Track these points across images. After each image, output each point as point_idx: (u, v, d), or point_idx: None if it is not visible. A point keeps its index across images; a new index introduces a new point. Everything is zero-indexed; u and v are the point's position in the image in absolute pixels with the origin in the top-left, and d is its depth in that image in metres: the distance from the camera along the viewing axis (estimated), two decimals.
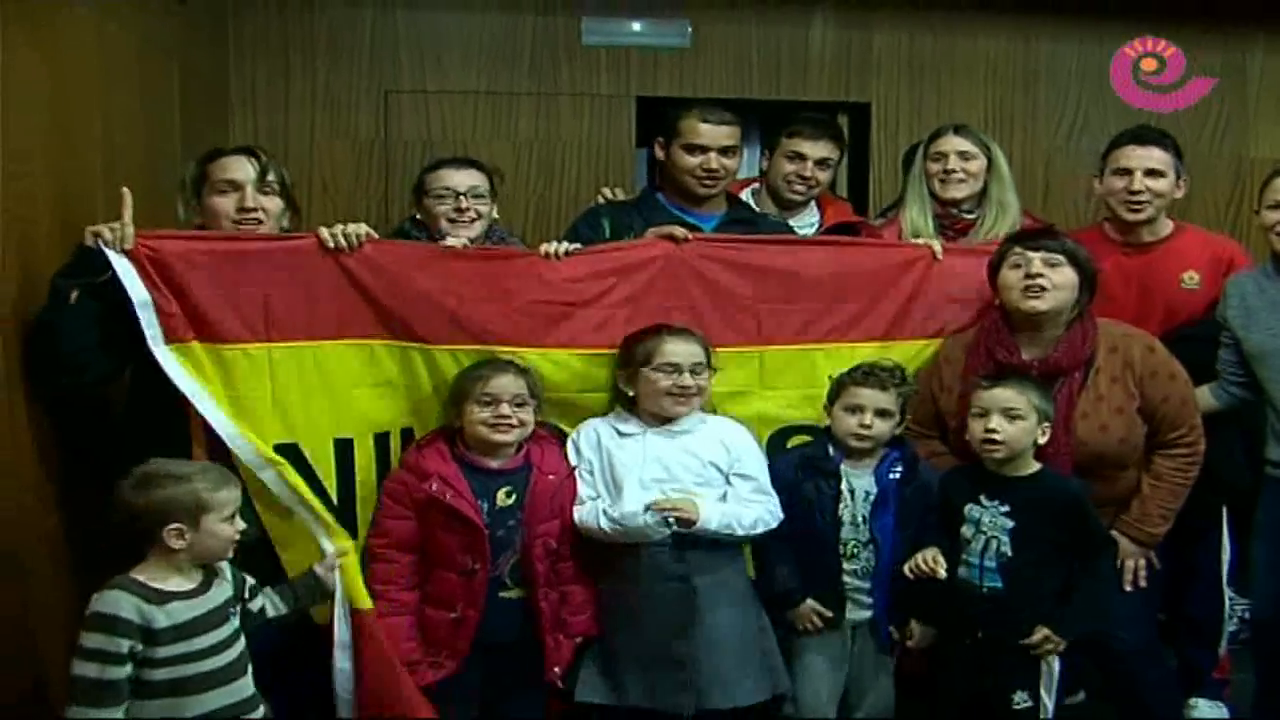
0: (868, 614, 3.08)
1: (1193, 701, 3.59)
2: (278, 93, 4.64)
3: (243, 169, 2.96)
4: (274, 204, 2.99)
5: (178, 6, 3.94)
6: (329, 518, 2.85)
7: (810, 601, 3.06)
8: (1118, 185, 3.48)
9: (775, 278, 3.29)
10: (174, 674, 2.38)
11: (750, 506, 3.00)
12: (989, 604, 2.91)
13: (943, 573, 2.90)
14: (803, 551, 3.07)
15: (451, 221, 3.29)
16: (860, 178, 5.01)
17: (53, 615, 2.69)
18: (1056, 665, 2.93)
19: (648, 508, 2.90)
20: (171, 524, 2.40)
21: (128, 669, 2.33)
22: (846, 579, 3.05)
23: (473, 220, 3.30)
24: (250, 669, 2.54)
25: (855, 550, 3.04)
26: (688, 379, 3.01)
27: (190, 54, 4.07)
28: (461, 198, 3.29)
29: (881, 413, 3.03)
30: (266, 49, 4.63)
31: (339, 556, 2.82)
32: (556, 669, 2.95)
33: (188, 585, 2.45)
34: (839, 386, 3.10)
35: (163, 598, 2.39)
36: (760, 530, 2.99)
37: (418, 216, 3.41)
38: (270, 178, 2.99)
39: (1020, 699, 2.92)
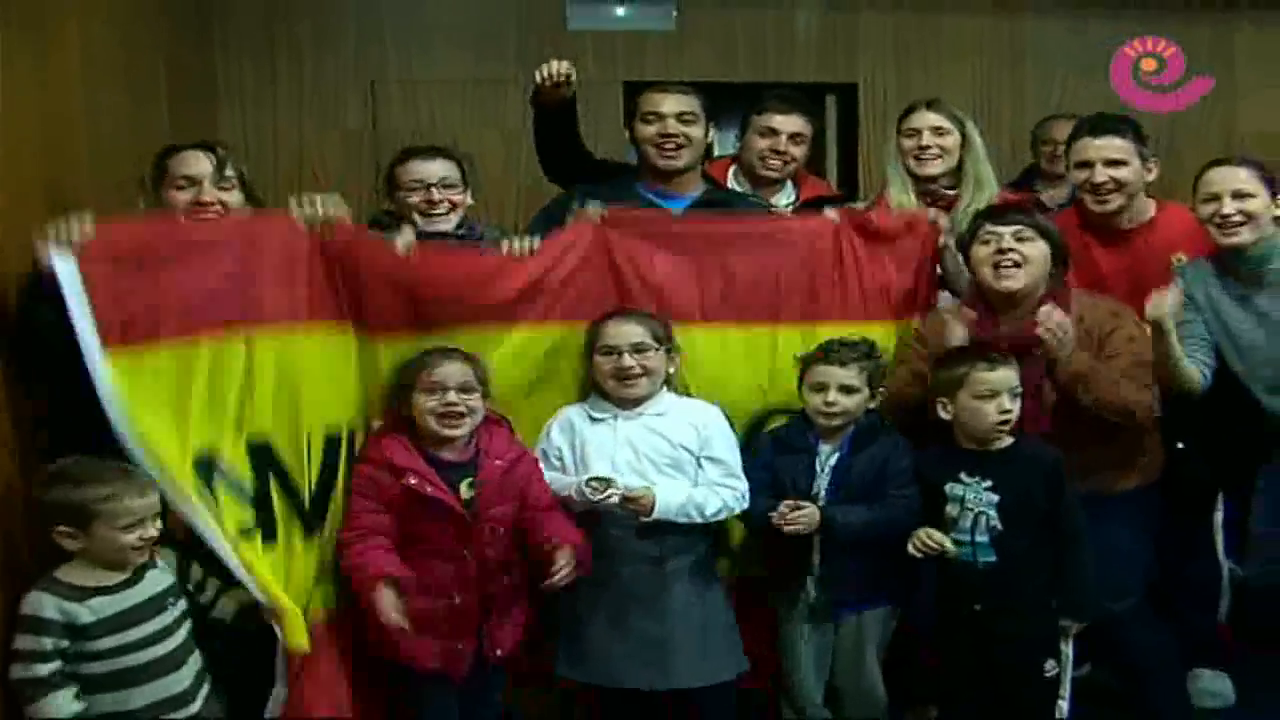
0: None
1: (1196, 672, 3.58)
2: (265, 86, 4.65)
3: (199, 164, 2.89)
4: (233, 198, 2.91)
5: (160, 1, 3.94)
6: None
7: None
8: (1081, 178, 3.40)
9: (697, 258, 3.22)
10: (113, 666, 2.37)
11: (717, 492, 2.96)
12: (988, 578, 2.91)
13: (950, 545, 2.90)
14: (777, 532, 3.00)
15: (424, 215, 3.22)
16: (849, 158, 5.03)
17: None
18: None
19: (588, 481, 2.85)
20: (59, 526, 2.37)
21: (55, 664, 2.33)
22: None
23: (447, 211, 3.23)
24: (195, 654, 2.52)
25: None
26: (627, 360, 2.97)
27: (176, 50, 4.08)
28: (433, 189, 3.23)
29: (845, 389, 3.00)
30: (252, 43, 4.64)
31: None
32: (499, 650, 2.89)
33: (112, 579, 2.41)
34: (804, 366, 3.08)
35: (84, 594, 2.36)
36: (724, 516, 2.97)
37: (391, 209, 3.30)
38: (228, 172, 2.92)
39: (1050, 667, 2.95)
